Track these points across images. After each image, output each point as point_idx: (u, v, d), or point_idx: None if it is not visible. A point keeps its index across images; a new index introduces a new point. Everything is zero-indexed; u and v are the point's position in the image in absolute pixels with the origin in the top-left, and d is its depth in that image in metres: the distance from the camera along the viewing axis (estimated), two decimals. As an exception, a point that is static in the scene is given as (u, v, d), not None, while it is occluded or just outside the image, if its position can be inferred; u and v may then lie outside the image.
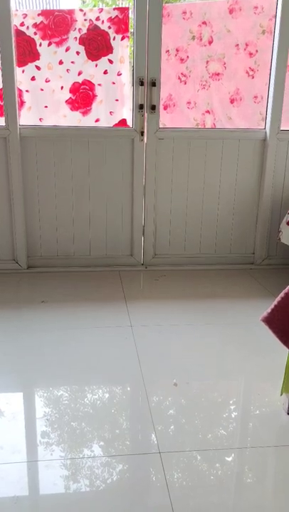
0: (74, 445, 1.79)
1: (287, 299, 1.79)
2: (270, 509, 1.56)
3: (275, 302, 1.82)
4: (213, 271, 3.53)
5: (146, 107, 3.24)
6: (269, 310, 1.83)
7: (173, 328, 2.68)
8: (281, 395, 2.01)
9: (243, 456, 1.79)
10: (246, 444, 1.85)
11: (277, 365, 2.15)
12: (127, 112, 3.34)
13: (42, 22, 3.12)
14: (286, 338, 1.81)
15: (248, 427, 1.97)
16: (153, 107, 3.24)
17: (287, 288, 1.82)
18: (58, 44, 3.17)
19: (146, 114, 3.26)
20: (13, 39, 3.05)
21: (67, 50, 3.19)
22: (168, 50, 3.32)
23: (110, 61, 3.24)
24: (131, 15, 3.16)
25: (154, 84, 3.21)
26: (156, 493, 1.60)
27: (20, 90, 3.21)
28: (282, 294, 1.82)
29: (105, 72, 3.26)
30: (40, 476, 1.67)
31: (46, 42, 3.16)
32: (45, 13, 3.12)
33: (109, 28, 3.18)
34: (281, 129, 3.39)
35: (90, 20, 3.15)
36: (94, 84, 3.27)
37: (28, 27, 3.12)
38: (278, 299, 1.82)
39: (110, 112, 3.33)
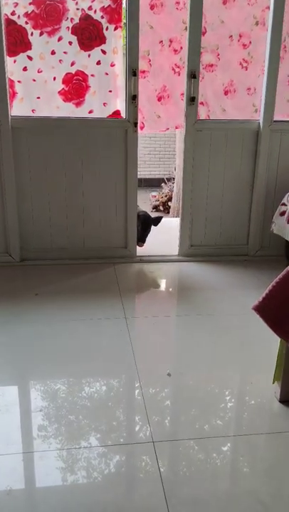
0: (68, 435, 1.79)
1: (278, 288, 1.80)
2: (263, 495, 1.56)
3: (267, 291, 1.82)
4: (206, 262, 3.53)
5: (186, 98, 3.26)
6: (260, 299, 1.83)
7: (166, 320, 2.68)
8: (273, 383, 2.02)
9: (235, 444, 1.79)
10: (239, 432, 1.85)
11: (269, 353, 2.15)
12: (120, 103, 3.31)
13: (33, 11, 3.08)
14: (277, 327, 1.82)
15: (241, 415, 1.98)
16: (192, 99, 3.23)
17: (278, 277, 1.82)
18: (50, 34, 3.14)
19: (185, 106, 3.29)
20: (4, 28, 3.02)
21: (59, 39, 3.15)
22: (161, 41, 3.29)
23: (103, 52, 3.21)
24: (124, 4, 3.13)
25: (194, 76, 3.20)
26: (149, 482, 1.60)
27: (11, 81, 3.17)
28: (273, 283, 1.82)
29: (98, 63, 3.23)
30: (36, 466, 1.68)
31: (38, 31, 3.12)
32: (36, 1, 3.08)
33: (102, 17, 3.15)
34: (274, 119, 3.39)
35: (83, 9, 3.12)
36: (87, 75, 3.24)
37: (19, 16, 3.08)
38: (270, 287, 1.82)
39: (104, 103, 3.31)
